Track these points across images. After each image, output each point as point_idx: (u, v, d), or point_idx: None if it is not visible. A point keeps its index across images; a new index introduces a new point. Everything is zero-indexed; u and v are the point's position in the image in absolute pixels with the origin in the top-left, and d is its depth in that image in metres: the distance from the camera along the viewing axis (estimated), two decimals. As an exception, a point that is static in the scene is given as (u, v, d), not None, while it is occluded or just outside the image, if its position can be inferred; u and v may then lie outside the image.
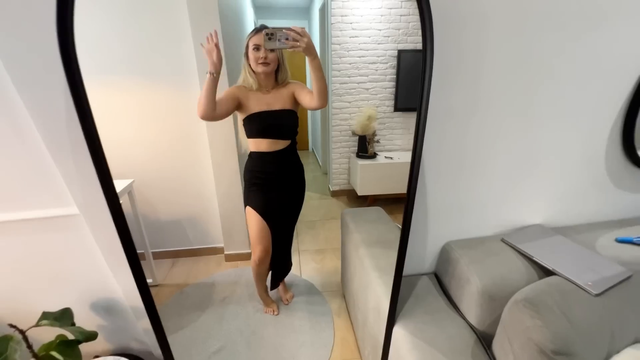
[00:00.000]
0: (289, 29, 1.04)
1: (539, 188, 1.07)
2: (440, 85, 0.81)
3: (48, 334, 0.81)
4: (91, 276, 0.83)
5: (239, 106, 1.37)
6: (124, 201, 1.76)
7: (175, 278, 2.09)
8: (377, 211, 1.71)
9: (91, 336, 0.82)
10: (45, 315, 0.76)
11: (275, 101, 1.37)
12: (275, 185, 1.49)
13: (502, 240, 1.06)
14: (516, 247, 1.02)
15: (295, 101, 1.39)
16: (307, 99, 1.32)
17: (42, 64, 0.66)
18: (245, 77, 1.36)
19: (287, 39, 1.04)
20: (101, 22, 1.74)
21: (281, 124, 1.40)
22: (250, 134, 1.41)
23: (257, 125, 1.37)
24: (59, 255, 0.79)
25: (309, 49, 1.09)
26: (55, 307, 0.84)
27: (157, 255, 2.25)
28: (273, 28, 1.05)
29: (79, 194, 0.68)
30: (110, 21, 1.74)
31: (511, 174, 1.04)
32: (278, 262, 1.73)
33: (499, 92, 0.91)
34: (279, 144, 1.42)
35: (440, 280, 1.13)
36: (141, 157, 2.03)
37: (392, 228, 1.55)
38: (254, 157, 1.45)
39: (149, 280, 2.01)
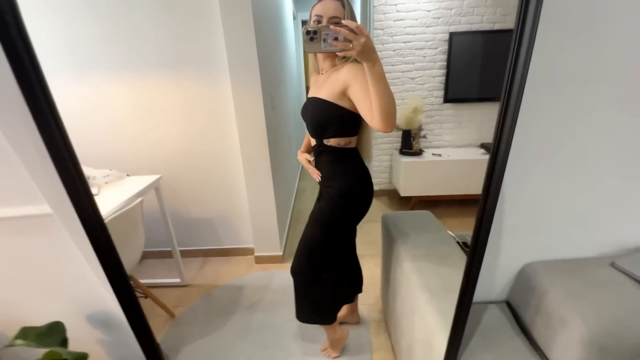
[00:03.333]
0: (339, 24, 0.73)
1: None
2: (540, 37, 0.55)
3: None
4: (81, 285, 0.71)
5: None
6: (150, 198, 1.69)
7: (204, 279, 2.01)
8: (425, 216, 1.44)
9: (80, 357, 0.70)
10: (25, 333, 0.65)
11: (325, 86, 1.06)
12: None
13: (613, 266, 0.76)
14: (638, 276, 0.71)
15: (344, 94, 1.00)
16: (365, 112, 0.92)
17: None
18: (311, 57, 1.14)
19: (335, 38, 0.74)
20: (135, 10, 1.68)
21: (304, 114, 1.16)
22: None
23: None
24: (39, 261, 0.68)
25: (366, 53, 0.75)
26: (47, 318, 0.73)
27: (188, 254, 2.19)
28: (317, 25, 0.78)
29: (50, 191, 0.55)
30: (144, 10, 1.68)
31: (630, 167, 0.73)
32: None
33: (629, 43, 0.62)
34: (312, 140, 1.19)
35: (515, 312, 0.85)
36: (172, 152, 1.96)
37: (444, 237, 1.28)
38: None
39: (176, 280, 1.96)
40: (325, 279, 1.24)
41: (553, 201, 0.75)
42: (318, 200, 1.22)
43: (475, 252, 0.60)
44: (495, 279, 0.86)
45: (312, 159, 1.23)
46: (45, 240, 0.64)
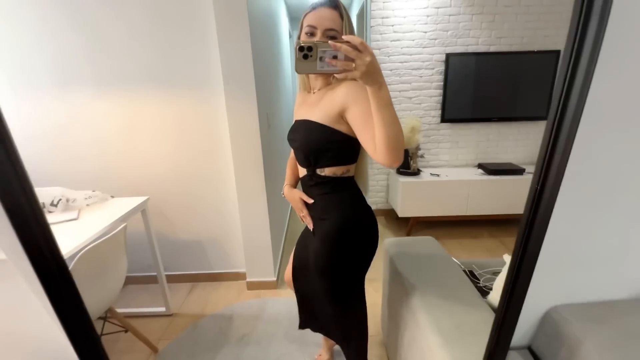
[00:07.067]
0: (339, 41, 0.60)
1: None
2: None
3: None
4: (42, 339, 0.60)
5: None
6: (136, 220, 1.58)
7: (191, 307, 1.87)
8: (429, 243, 1.36)
9: None
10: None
11: (318, 107, 0.90)
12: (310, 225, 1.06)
13: (649, 311, 0.69)
14: (679, 325, 0.64)
15: (341, 117, 0.86)
16: (367, 143, 0.78)
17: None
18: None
19: (335, 56, 0.62)
20: (125, 27, 1.62)
21: (293, 139, 0.98)
22: None
23: None
24: None
25: (371, 75, 0.62)
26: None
27: (175, 279, 2.05)
28: (313, 41, 0.63)
29: (2, 232, 0.45)
30: (135, 26, 1.62)
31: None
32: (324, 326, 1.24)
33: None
34: (301, 169, 1.02)
35: (540, 361, 0.76)
36: (161, 172, 1.86)
37: (450, 266, 1.20)
38: None
39: (161, 309, 1.81)
40: (360, 303, 1.12)
41: (582, 239, 0.68)
42: (313, 232, 1.04)
43: (507, 310, 0.52)
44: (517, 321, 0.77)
45: (309, 200, 1.01)
46: (0, 288, 0.54)
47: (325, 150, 0.91)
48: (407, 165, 2.64)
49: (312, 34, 0.84)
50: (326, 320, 1.18)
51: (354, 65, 0.61)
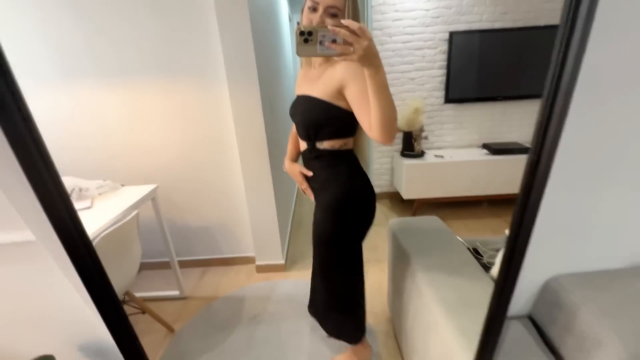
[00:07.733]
0: (338, 25, 0.64)
1: None
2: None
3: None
4: (71, 314, 0.65)
5: None
6: (147, 207, 1.63)
7: (204, 290, 1.94)
8: (433, 222, 1.39)
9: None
10: (9, 371, 0.59)
11: (318, 83, 0.95)
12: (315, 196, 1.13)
13: (647, 278, 0.71)
14: (675, 290, 0.66)
15: (340, 93, 0.91)
16: (363, 120, 0.84)
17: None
18: None
19: (333, 40, 0.65)
20: (126, 16, 1.62)
21: (294, 114, 1.04)
22: None
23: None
24: (25, 292, 0.61)
25: (368, 58, 0.66)
26: (37, 351, 0.67)
27: (187, 264, 2.12)
28: (313, 26, 0.65)
29: (29, 214, 0.49)
30: (135, 16, 1.62)
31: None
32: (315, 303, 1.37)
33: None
34: (302, 143, 1.08)
35: (540, 329, 0.80)
36: (168, 160, 1.90)
37: (455, 245, 1.23)
38: None
39: (175, 293, 1.89)
40: (356, 290, 1.19)
41: (580, 208, 0.70)
42: (316, 204, 1.11)
43: (509, 272, 0.55)
44: (517, 293, 0.80)
45: (308, 173, 1.09)
46: (30, 269, 0.58)
47: (324, 125, 0.97)
48: (411, 147, 2.64)
49: (314, 9, 0.87)
50: (320, 296, 1.25)
51: (352, 49, 0.65)
